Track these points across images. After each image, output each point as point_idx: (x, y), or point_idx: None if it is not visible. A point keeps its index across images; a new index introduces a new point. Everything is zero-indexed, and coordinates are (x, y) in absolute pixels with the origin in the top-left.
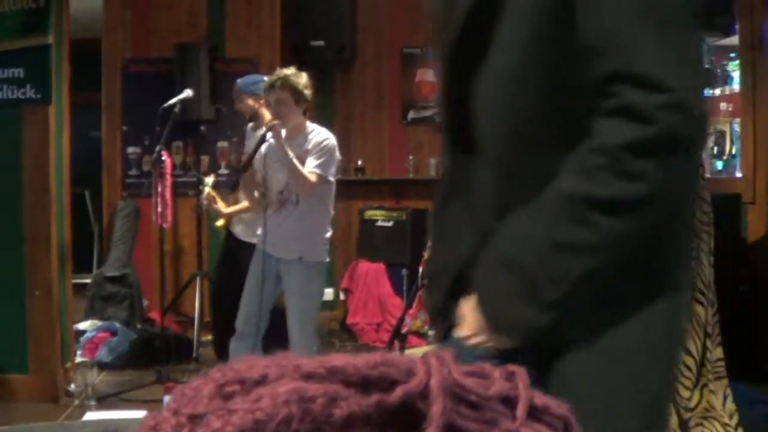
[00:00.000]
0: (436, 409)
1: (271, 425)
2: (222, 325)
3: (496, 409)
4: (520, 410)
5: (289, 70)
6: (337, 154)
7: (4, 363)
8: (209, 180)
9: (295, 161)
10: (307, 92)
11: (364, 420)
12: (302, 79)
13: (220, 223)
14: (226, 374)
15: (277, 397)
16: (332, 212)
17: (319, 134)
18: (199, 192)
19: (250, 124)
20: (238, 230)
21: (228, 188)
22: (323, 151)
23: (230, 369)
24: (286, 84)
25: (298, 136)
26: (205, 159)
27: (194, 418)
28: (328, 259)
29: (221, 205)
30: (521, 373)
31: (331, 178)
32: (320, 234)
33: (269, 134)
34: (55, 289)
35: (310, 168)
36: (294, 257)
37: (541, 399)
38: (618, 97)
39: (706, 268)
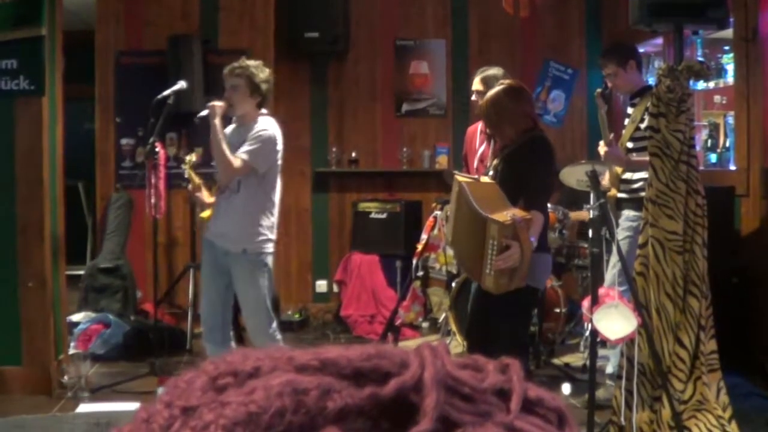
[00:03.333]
0: (430, 401)
1: (264, 417)
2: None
3: (490, 402)
4: (514, 403)
5: (254, 62)
6: (277, 145)
7: None
8: (189, 158)
9: (223, 144)
10: (264, 86)
11: (357, 412)
12: (263, 73)
13: (205, 214)
14: (219, 366)
15: (270, 389)
16: (275, 203)
17: (262, 125)
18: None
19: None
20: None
21: (213, 179)
22: (257, 140)
23: (223, 361)
24: (244, 73)
25: (246, 125)
26: (198, 151)
27: (187, 411)
28: (272, 251)
29: (205, 195)
30: (515, 365)
31: (261, 168)
32: (261, 226)
33: (207, 113)
34: (48, 281)
35: (238, 153)
36: (238, 249)
37: (535, 391)
38: None
39: (699, 260)
